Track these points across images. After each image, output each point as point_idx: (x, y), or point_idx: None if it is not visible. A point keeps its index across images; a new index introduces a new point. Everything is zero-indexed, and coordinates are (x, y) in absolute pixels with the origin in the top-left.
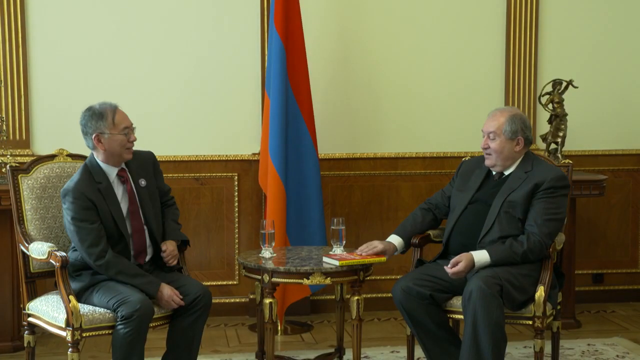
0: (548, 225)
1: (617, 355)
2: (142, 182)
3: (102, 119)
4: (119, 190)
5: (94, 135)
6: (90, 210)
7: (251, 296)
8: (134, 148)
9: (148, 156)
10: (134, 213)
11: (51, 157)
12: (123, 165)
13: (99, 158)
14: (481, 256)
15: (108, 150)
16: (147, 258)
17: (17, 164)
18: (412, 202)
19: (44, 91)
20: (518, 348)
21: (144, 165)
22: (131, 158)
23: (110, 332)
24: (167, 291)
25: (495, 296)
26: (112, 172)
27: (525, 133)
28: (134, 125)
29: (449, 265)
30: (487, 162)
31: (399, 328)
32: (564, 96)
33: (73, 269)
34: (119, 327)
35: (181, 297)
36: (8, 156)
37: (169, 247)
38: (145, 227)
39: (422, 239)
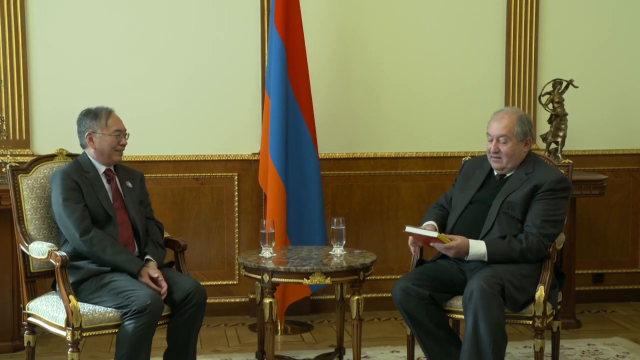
0: (546, 227)
1: (617, 355)
2: (129, 184)
3: (96, 119)
4: (106, 186)
5: (86, 134)
6: (75, 191)
7: (251, 296)
8: (125, 159)
9: (138, 173)
10: (119, 209)
11: (51, 157)
12: (111, 167)
13: (89, 154)
14: (478, 247)
15: (98, 149)
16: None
17: (17, 164)
18: (412, 202)
19: (44, 91)
20: (518, 348)
21: (131, 176)
22: (120, 160)
23: (110, 331)
24: (145, 278)
25: (496, 296)
26: (100, 168)
27: (532, 132)
28: (127, 131)
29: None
30: (496, 166)
31: (399, 328)
32: (564, 96)
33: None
34: (128, 322)
35: (159, 282)
36: (8, 156)
37: (148, 272)
38: (132, 223)
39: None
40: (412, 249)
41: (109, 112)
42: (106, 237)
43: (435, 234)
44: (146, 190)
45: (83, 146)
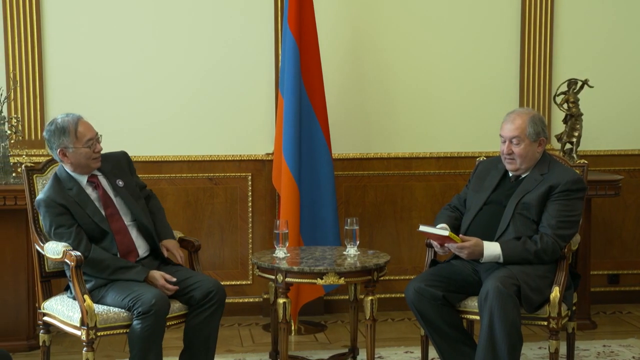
0: (561, 227)
1: (633, 357)
2: (120, 183)
3: (64, 134)
4: (92, 195)
5: (58, 150)
6: (63, 215)
7: (265, 296)
8: (107, 150)
9: (122, 156)
10: (112, 216)
11: None
12: (95, 172)
13: (67, 169)
14: (492, 248)
15: (74, 163)
16: (140, 255)
17: (32, 164)
18: (426, 202)
19: (59, 91)
20: (533, 349)
21: (118, 166)
22: (99, 166)
23: (124, 331)
24: (159, 280)
25: (511, 296)
26: (82, 180)
27: (545, 133)
28: (99, 134)
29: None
30: (510, 167)
31: (412, 328)
32: (579, 96)
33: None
34: (136, 323)
35: (174, 280)
36: (23, 156)
37: (170, 245)
38: (129, 226)
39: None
40: (436, 248)
41: (76, 123)
42: (103, 258)
43: (446, 233)
44: (135, 172)
45: (58, 161)
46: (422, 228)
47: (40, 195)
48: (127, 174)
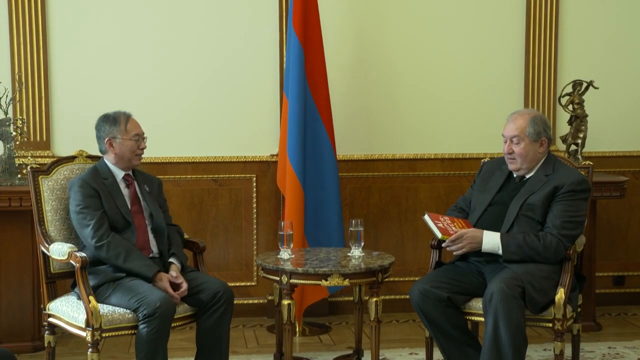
0: (566, 227)
1: (639, 359)
2: (146, 188)
3: (115, 124)
4: (124, 191)
5: (106, 139)
6: (94, 198)
7: (269, 297)
8: (144, 161)
9: (156, 179)
10: (136, 213)
11: (71, 159)
12: (130, 172)
13: (109, 160)
14: (491, 236)
15: (118, 154)
16: (154, 253)
17: (37, 165)
18: (431, 204)
19: (65, 93)
20: (538, 351)
21: (149, 182)
22: (139, 164)
23: (130, 332)
24: (163, 282)
25: (516, 298)
26: (119, 174)
27: (547, 133)
28: (145, 135)
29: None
30: (512, 167)
31: (417, 330)
32: (584, 97)
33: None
34: (142, 326)
35: (179, 284)
36: (29, 157)
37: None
38: (149, 226)
39: (441, 240)
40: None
41: (127, 117)
42: (122, 243)
43: (439, 235)
44: (164, 197)
45: (103, 152)
46: (427, 219)
47: (76, 177)
48: (155, 191)
